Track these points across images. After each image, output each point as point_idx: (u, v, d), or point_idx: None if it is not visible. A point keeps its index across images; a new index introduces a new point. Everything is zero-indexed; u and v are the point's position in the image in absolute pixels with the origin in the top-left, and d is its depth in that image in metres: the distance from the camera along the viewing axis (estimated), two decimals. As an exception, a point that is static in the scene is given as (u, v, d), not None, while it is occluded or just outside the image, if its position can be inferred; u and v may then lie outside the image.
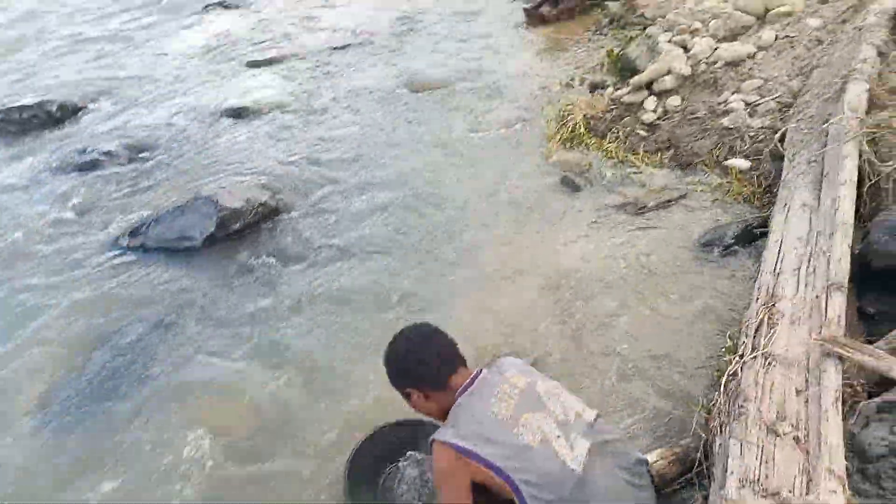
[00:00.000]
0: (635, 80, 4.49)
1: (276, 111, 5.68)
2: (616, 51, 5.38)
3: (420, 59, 6.35)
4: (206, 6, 9.48)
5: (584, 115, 4.51)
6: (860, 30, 3.71)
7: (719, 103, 4.14)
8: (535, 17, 6.66)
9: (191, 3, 9.64)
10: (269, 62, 6.93)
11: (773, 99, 3.96)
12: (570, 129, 4.44)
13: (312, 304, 3.32)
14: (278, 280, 3.53)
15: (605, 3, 6.74)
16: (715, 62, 4.43)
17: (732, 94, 4.15)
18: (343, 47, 7.01)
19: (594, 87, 5.11)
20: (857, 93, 3.26)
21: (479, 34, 6.69)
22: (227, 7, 9.37)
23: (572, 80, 5.29)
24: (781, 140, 3.55)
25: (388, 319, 3.02)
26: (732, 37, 4.74)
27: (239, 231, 4.08)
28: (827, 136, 3.15)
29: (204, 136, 5.39)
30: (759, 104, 3.98)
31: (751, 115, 3.96)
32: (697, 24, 4.94)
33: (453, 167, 4.35)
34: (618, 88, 4.86)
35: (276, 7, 9.02)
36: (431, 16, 7.50)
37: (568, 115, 4.57)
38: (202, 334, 3.22)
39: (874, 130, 3.00)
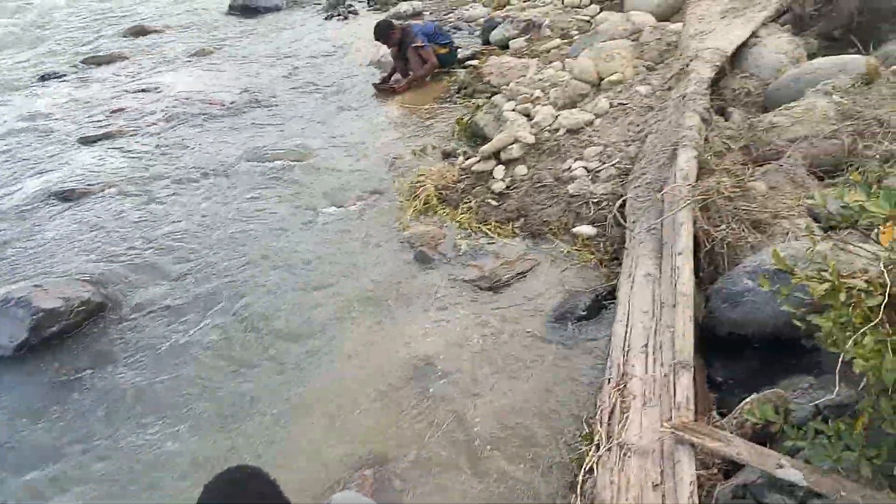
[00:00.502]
0: (483, 149, 4.50)
1: (109, 193, 5.22)
2: (465, 119, 5.42)
3: (266, 131, 6.11)
4: (42, 76, 8.81)
5: (436, 186, 4.44)
6: (684, 97, 3.91)
7: (564, 170, 4.20)
8: (385, 91, 6.64)
9: (26, 75, 8.93)
10: (104, 137, 6.44)
11: (612, 165, 4.07)
12: (422, 200, 4.34)
13: (138, 428, 2.91)
14: (98, 399, 3.09)
15: (453, 70, 6.86)
16: (557, 129, 4.53)
17: (575, 160, 4.23)
18: (184, 119, 6.64)
19: (446, 155, 5.09)
20: (686, 159, 3.38)
21: (328, 106, 6.57)
22: (62, 78, 8.73)
23: (424, 148, 5.24)
24: (622, 207, 3.62)
25: (220, 451, 2.68)
26: (571, 104, 4.89)
27: (58, 334, 3.60)
28: (663, 203, 3.21)
29: (22, 224, 4.84)
30: (601, 170, 4.08)
31: (593, 181, 4.04)
32: (538, 93, 5.07)
33: (301, 251, 4.11)
34: (468, 157, 4.85)
35: (115, 77, 8.51)
36: (278, 88, 7.31)
37: (419, 186, 4.47)
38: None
39: (705, 196, 3.09)
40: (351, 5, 10.61)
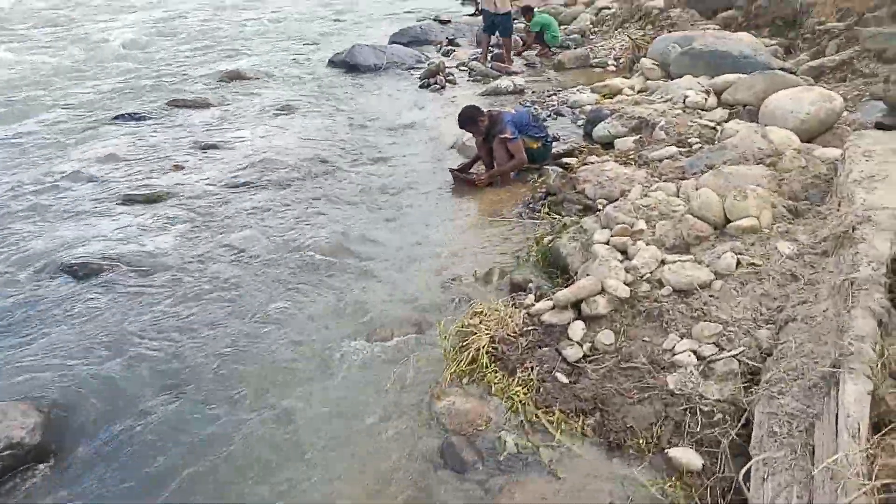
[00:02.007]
0: (560, 295, 3.45)
1: (120, 272, 4.50)
2: (546, 239, 4.41)
3: (320, 212, 5.31)
4: (119, 115, 8.52)
5: (492, 337, 3.40)
6: (851, 284, 2.74)
7: (664, 350, 3.09)
8: (462, 181, 5.74)
9: (104, 112, 8.69)
10: (150, 199, 5.81)
11: (734, 356, 2.92)
12: (469, 357, 3.32)
13: None
14: None
15: (545, 167, 5.89)
16: (660, 284, 3.42)
17: (682, 338, 3.11)
18: (240, 187, 5.96)
19: (516, 287, 4.08)
20: (856, 396, 2.22)
21: (394, 190, 5.72)
22: (138, 120, 8.39)
23: (490, 272, 4.25)
24: (745, 430, 2.47)
25: None
26: (684, 247, 3.78)
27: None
28: (813, 471, 2.05)
29: (4, 302, 4.15)
30: (716, 361, 2.94)
31: (704, 376, 2.91)
32: (641, 224, 3.99)
33: (299, 413, 3.16)
34: (541, 296, 3.82)
35: (191, 125, 8.10)
36: (348, 159, 6.58)
37: (471, 333, 3.46)
38: None
39: (890, 482, 1.91)
40: (451, 74, 9.94)
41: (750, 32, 9.40)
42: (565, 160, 6.10)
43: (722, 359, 2.94)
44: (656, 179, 5.10)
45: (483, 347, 3.36)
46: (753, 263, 3.34)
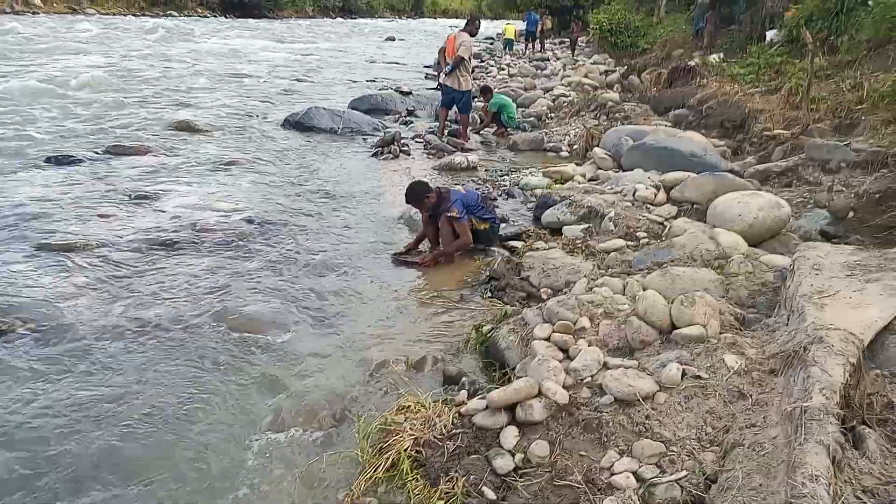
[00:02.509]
0: (493, 397, 3.15)
1: (19, 330, 4.01)
2: (485, 328, 4.14)
3: (247, 282, 4.93)
4: (52, 157, 8.06)
5: (416, 439, 3.06)
6: (803, 412, 2.53)
7: (602, 468, 2.81)
8: (405, 263, 5.49)
9: (38, 152, 8.25)
10: (67, 248, 5.37)
11: (676, 481, 2.65)
12: (388, 461, 2.96)
13: None
14: None
15: (491, 249, 5.69)
16: (601, 391, 3.17)
17: (621, 455, 2.84)
18: (165, 244, 5.55)
19: (448, 380, 3.78)
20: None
21: (331, 264, 5.40)
22: (71, 163, 7.96)
23: (422, 361, 3.95)
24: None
25: None
26: (628, 350, 3.57)
27: None
28: None
29: None
30: (657, 484, 2.67)
31: (644, 502, 2.61)
32: (584, 322, 3.77)
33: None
34: (475, 392, 3.52)
35: (126, 174, 7.69)
36: (288, 225, 6.25)
37: (393, 432, 3.12)
38: None
39: None
40: (406, 145, 9.84)
41: (700, 132, 9.64)
42: (512, 243, 5.93)
43: (663, 483, 2.67)
44: (602, 272, 4.95)
45: (406, 451, 3.01)
46: (699, 377, 3.12)
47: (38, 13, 38.11)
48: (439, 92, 11.40)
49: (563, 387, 3.28)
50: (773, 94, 10.34)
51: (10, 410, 3.29)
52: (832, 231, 5.99)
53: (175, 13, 47.25)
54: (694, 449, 2.81)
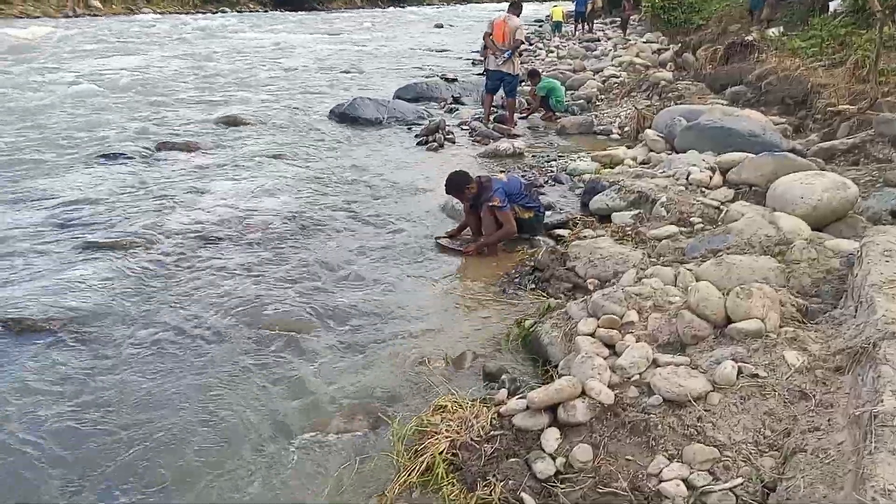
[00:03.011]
0: (534, 396, 2.99)
1: (56, 329, 4.06)
2: (527, 323, 3.98)
3: (286, 278, 4.89)
4: (105, 154, 8.24)
5: (452, 441, 2.94)
6: (873, 418, 2.29)
7: (649, 474, 2.63)
8: (448, 250, 5.36)
9: (91, 151, 8.44)
10: (112, 247, 5.43)
11: (731, 489, 2.45)
12: (423, 464, 2.85)
13: None
14: None
15: (536, 238, 5.50)
16: (650, 390, 2.97)
17: (670, 460, 2.65)
18: (207, 241, 5.57)
19: (488, 377, 3.64)
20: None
21: (371, 256, 5.32)
22: (124, 161, 8.11)
23: (462, 357, 3.81)
24: None
25: None
26: (679, 346, 3.36)
27: None
28: None
29: None
30: (710, 492, 2.47)
31: (696, 513, 2.42)
32: (632, 316, 3.57)
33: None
34: (515, 390, 3.37)
35: (175, 169, 7.79)
36: (329, 219, 6.20)
37: (430, 434, 3.00)
38: None
39: None
40: (451, 132, 9.68)
41: (759, 109, 9.17)
42: (558, 232, 5.73)
43: (717, 491, 2.47)
44: (654, 261, 4.71)
45: (441, 454, 2.89)
46: (757, 375, 2.89)
47: (98, 15, 39.31)
48: (484, 78, 11.15)
49: (609, 386, 3.10)
50: (837, 67, 9.74)
51: (47, 407, 3.31)
52: (904, 211, 5.57)
53: (227, 9, 48.08)
54: (751, 454, 2.59)
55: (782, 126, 8.50)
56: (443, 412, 3.18)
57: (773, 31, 13.51)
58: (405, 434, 3.03)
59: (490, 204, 5.16)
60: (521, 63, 12.06)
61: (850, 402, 2.55)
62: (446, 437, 2.96)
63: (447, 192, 5.46)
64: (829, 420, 2.58)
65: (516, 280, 4.83)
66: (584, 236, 5.45)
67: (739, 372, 2.95)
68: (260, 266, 5.08)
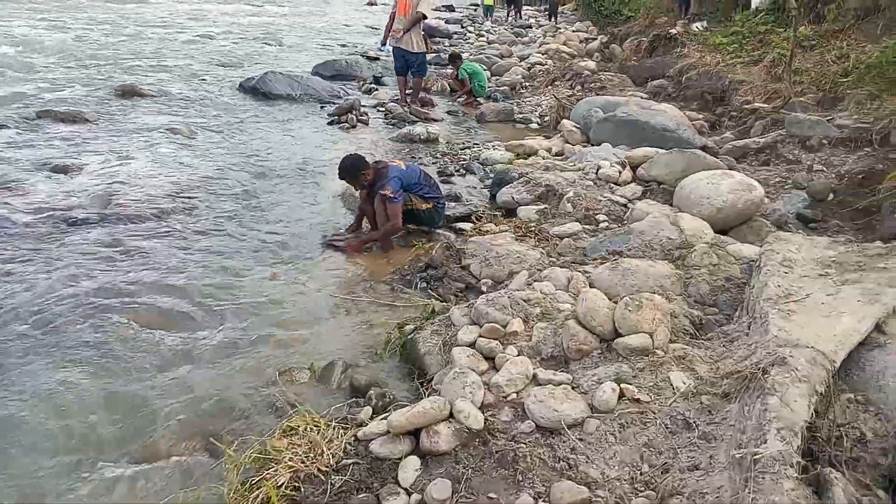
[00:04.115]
0: (393, 420, 2.61)
1: None
2: (407, 328, 3.60)
3: (154, 268, 4.36)
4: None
5: (295, 472, 2.52)
6: (755, 463, 2.01)
7: (512, 516, 2.28)
8: (335, 249, 4.92)
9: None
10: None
11: (599, 537, 2.13)
12: (259, 501, 2.42)
13: None
14: None
15: (436, 232, 5.12)
16: (524, 415, 2.64)
17: (536, 500, 2.32)
18: (75, 221, 4.96)
19: (355, 391, 3.23)
20: None
21: (257, 243, 4.83)
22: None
23: (331, 367, 3.39)
24: None
25: None
26: (563, 360, 3.04)
27: None
28: None
29: None
30: (576, 541, 2.14)
31: (558, 565, 2.10)
32: (516, 325, 3.23)
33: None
34: (384, 406, 2.99)
35: (53, 142, 7.10)
36: (217, 201, 5.66)
37: (272, 462, 2.58)
38: None
39: None
40: (365, 114, 9.17)
41: (677, 104, 9.07)
42: (460, 225, 5.37)
43: (582, 541, 2.15)
44: (553, 260, 4.41)
45: (280, 487, 2.47)
46: (638, 400, 2.60)
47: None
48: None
49: (482, 406, 2.77)
50: (755, 64, 9.76)
51: None
52: (810, 215, 5.49)
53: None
54: (624, 494, 2.29)
55: (699, 122, 8.41)
56: (291, 436, 2.75)
57: (697, 26, 13.55)
58: (242, 463, 2.59)
59: (381, 192, 4.74)
60: (451, 45, 11.61)
61: (733, 437, 2.28)
62: (289, 468, 2.54)
63: (340, 178, 5.01)
64: (710, 457, 2.30)
65: (408, 278, 4.44)
66: (486, 231, 5.11)
67: (621, 395, 2.65)
68: (125, 252, 4.54)
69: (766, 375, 2.37)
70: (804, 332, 2.62)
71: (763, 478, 1.94)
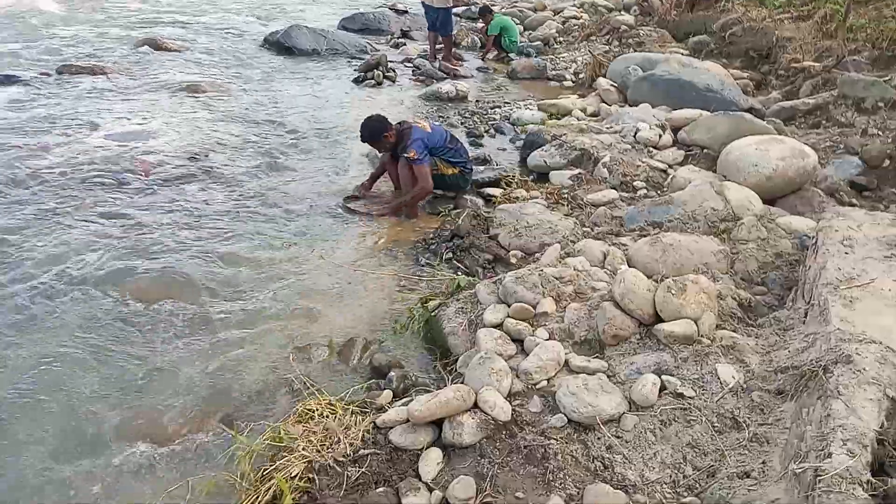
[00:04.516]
0: (414, 410, 2.42)
1: None
2: (431, 304, 3.39)
3: (169, 235, 4.20)
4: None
5: (310, 462, 2.36)
6: (817, 479, 1.77)
7: (540, 521, 2.09)
8: (355, 214, 4.71)
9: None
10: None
11: (637, 549, 1.94)
12: (270, 493, 2.28)
13: None
14: None
15: (463, 198, 4.88)
16: (555, 406, 2.43)
17: (567, 502, 2.12)
18: (91, 181, 4.84)
19: (375, 372, 3.06)
20: None
21: (276, 208, 4.66)
22: (18, 83, 7.14)
23: (350, 344, 3.22)
24: None
25: None
26: (598, 345, 2.82)
27: None
28: None
29: None
30: (611, 552, 1.95)
31: (590, 579, 1.91)
32: (547, 305, 3.01)
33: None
34: (404, 391, 2.82)
35: (74, 96, 6.97)
36: (235, 163, 5.47)
37: (286, 450, 2.42)
38: None
39: None
40: (392, 70, 8.84)
41: (720, 62, 8.58)
42: (489, 191, 5.10)
43: (620, 552, 1.96)
44: (587, 231, 4.16)
45: (294, 478, 2.32)
46: (682, 395, 2.37)
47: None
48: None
49: (510, 394, 2.57)
50: (805, 20, 9.16)
51: None
52: (864, 182, 5.12)
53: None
54: (665, 499, 2.08)
55: (744, 81, 7.94)
56: (308, 421, 2.59)
57: (742, -22, 12.77)
58: (255, 449, 2.44)
59: (406, 155, 4.50)
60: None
61: (790, 443, 2.04)
62: (303, 457, 2.38)
63: (362, 140, 4.77)
64: (763, 463, 2.08)
65: (433, 247, 4.22)
66: (516, 197, 4.85)
67: (662, 388, 2.43)
68: (140, 216, 4.41)
69: (828, 375, 2.11)
70: (870, 324, 2.35)
71: (828, 497, 1.71)
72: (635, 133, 5.52)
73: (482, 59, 10.46)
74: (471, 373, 2.62)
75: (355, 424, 2.57)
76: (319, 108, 7.30)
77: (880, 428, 1.92)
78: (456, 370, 2.90)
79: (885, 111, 6.15)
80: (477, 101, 7.98)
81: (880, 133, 5.87)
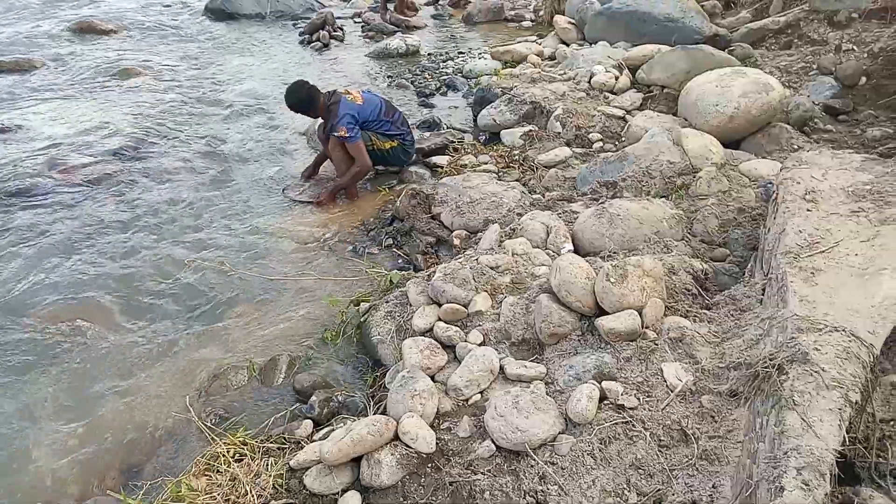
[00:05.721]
0: (327, 450, 2.13)
1: None
2: (363, 306, 3.07)
3: (86, 247, 3.86)
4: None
5: (213, 519, 2.09)
6: (775, 487, 1.49)
7: (464, 578, 1.82)
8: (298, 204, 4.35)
9: None
10: None
11: None
12: (166, 566, 2.01)
13: None
14: None
15: (408, 171, 4.51)
16: (482, 431, 2.14)
17: (495, 553, 1.85)
18: (11, 193, 4.44)
19: (299, 394, 2.76)
20: None
21: (208, 211, 4.29)
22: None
23: (274, 363, 2.90)
24: None
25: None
26: (536, 345, 2.50)
27: None
28: None
29: None
30: None
31: None
32: (481, 303, 2.69)
33: None
34: (329, 416, 2.52)
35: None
36: (168, 154, 5.07)
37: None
38: None
39: None
40: (341, 28, 8.30)
41: (685, -17, 8.00)
42: (436, 159, 4.72)
43: None
44: (538, 198, 3.81)
45: (191, 546, 2.04)
46: (623, 406, 2.07)
47: None
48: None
49: (438, 415, 2.28)
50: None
51: None
52: (839, 105, 4.75)
53: None
54: (605, 539, 1.80)
55: (711, 2, 7.41)
56: (213, 470, 2.30)
57: None
58: (153, 511, 2.16)
59: (335, 135, 4.10)
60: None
61: (741, 464, 1.75)
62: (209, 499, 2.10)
63: (292, 110, 4.32)
64: (713, 487, 1.79)
65: (372, 233, 3.87)
66: (464, 165, 4.48)
67: (602, 398, 2.12)
68: (59, 227, 4.05)
69: (782, 377, 1.80)
70: (834, 303, 2.03)
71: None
72: (590, 78, 5.10)
73: (436, 6, 9.87)
74: (392, 396, 2.32)
75: (267, 469, 2.28)
76: (259, 79, 6.85)
77: (842, 444, 1.62)
78: (385, 388, 2.60)
79: (860, 23, 5.70)
80: (430, 54, 7.49)
81: (855, 49, 5.44)
